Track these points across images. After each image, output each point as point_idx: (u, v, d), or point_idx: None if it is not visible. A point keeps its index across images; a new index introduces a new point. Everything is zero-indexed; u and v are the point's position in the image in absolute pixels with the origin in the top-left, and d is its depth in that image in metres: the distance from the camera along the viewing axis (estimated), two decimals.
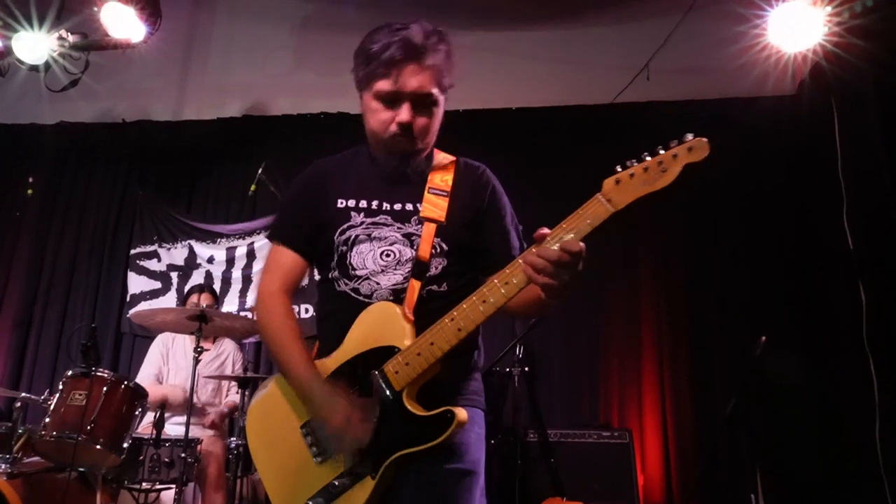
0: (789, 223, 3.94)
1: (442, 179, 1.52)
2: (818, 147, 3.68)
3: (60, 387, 2.78)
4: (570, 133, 4.16)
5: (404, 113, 1.41)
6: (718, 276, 3.99)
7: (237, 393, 3.48)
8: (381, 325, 1.39)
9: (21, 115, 4.75)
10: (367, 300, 1.44)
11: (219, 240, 4.47)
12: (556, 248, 1.18)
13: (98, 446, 2.67)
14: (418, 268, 1.44)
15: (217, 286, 4.34)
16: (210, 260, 4.45)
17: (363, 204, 1.50)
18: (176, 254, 4.52)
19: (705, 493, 3.53)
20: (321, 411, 1.34)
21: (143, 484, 2.93)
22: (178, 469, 2.91)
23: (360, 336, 1.40)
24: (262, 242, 4.39)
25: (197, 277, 4.43)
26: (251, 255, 4.41)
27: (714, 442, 3.47)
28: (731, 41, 3.73)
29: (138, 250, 4.56)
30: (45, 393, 2.90)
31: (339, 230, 1.49)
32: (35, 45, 3.67)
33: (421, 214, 1.47)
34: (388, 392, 1.33)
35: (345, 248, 1.48)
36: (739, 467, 3.41)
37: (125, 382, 2.85)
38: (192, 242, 4.51)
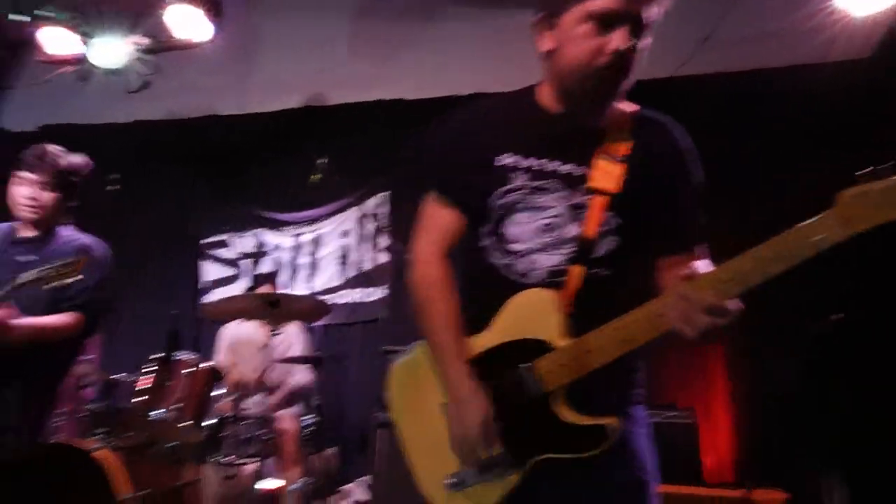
0: None
1: (619, 140, 1.29)
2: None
3: (148, 369, 2.98)
4: None
5: (621, 38, 1.18)
6: None
7: (303, 374, 3.66)
8: (534, 314, 1.25)
9: (97, 115, 5.01)
10: (520, 280, 1.28)
11: (285, 228, 4.64)
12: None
13: (184, 424, 2.86)
14: (582, 249, 1.25)
15: (285, 272, 4.52)
16: (277, 247, 4.63)
17: (527, 163, 1.30)
18: (245, 242, 4.72)
19: (776, 473, 3.45)
20: (459, 414, 1.26)
21: (225, 458, 3.12)
22: (256, 445, 3.09)
23: (510, 323, 1.27)
24: (327, 229, 4.53)
25: (266, 264, 4.61)
26: (316, 241, 4.56)
27: (786, 420, 3.39)
28: (797, 5, 3.58)
29: (210, 240, 4.78)
30: (134, 375, 3.12)
31: (496, 193, 1.30)
32: (110, 50, 3.89)
33: (590, 184, 1.26)
34: (537, 391, 1.22)
35: (501, 213, 1.30)
36: (813, 447, 3.32)
37: (204, 365, 3.04)
38: (260, 231, 4.70)
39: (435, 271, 1.36)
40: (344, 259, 4.45)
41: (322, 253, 4.54)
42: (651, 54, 1.26)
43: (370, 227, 4.47)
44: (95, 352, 4.63)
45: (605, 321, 1.18)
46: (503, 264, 1.30)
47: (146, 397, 2.88)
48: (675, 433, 3.39)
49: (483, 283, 1.33)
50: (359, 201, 4.52)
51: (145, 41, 3.95)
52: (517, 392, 1.24)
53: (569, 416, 1.21)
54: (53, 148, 2.33)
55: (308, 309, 3.57)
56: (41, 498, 2.44)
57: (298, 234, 4.62)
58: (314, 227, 4.60)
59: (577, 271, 1.25)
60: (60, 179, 2.30)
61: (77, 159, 2.38)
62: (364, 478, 3.54)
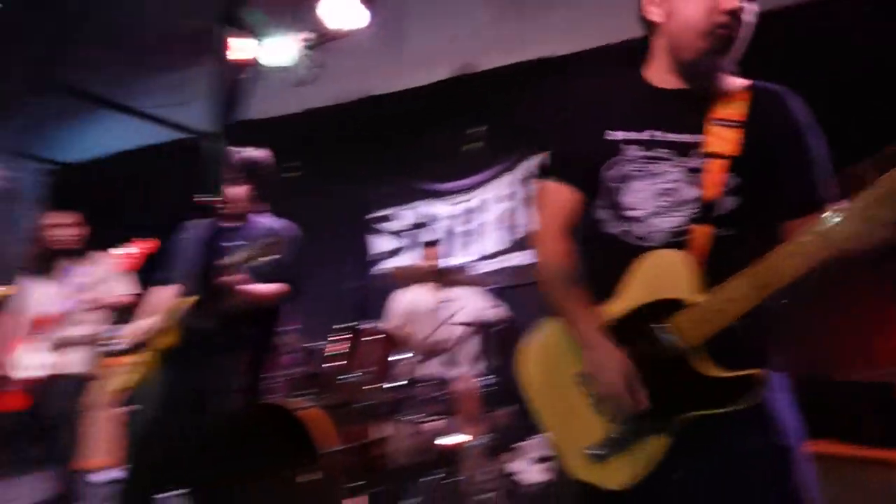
0: None
1: (733, 107, 1.31)
2: None
3: (337, 337, 3.30)
4: None
5: None
6: None
7: (476, 336, 3.81)
8: (665, 274, 1.26)
9: (268, 110, 5.48)
10: (640, 244, 1.30)
11: (446, 197, 4.81)
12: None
13: (371, 385, 3.14)
14: (705, 209, 1.26)
15: (451, 240, 4.70)
16: (440, 217, 4.81)
17: (636, 136, 1.34)
18: (409, 214, 4.96)
19: None
20: (601, 371, 1.27)
21: (410, 417, 3.36)
22: (436, 405, 3.30)
23: (641, 285, 1.29)
24: (488, 195, 4.62)
25: (431, 234, 4.82)
26: (478, 208, 4.67)
27: None
28: None
29: (376, 214, 5.09)
30: (327, 342, 3.46)
31: (608, 165, 1.35)
32: (280, 49, 4.24)
33: (707, 149, 1.28)
34: (677, 349, 1.23)
35: (616, 184, 1.34)
36: None
37: (385, 332, 3.30)
38: (422, 202, 4.90)
39: (557, 246, 1.40)
40: (507, 222, 4.52)
41: (484, 218, 4.64)
42: None
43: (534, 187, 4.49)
44: (296, 322, 5.18)
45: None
46: (621, 231, 1.33)
47: (337, 363, 3.20)
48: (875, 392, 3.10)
49: (603, 254, 1.36)
50: (518, 163, 4.54)
51: (309, 36, 4.23)
52: (657, 352, 1.25)
53: (712, 370, 1.20)
54: (235, 148, 2.62)
55: (480, 276, 3.70)
56: (260, 450, 2.82)
57: (460, 203, 4.76)
58: (475, 193, 4.71)
59: (702, 231, 1.26)
60: (244, 173, 2.57)
61: (256, 153, 2.65)
62: (542, 435, 3.64)
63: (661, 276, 1.27)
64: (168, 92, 5.47)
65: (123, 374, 2.54)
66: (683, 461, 1.23)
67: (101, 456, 4.05)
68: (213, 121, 5.39)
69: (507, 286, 4.40)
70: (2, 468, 5.04)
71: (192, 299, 2.43)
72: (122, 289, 3.81)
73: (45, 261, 3.82)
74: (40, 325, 3.76)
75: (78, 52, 5.85)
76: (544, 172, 1.46)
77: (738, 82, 1.35)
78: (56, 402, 3.65)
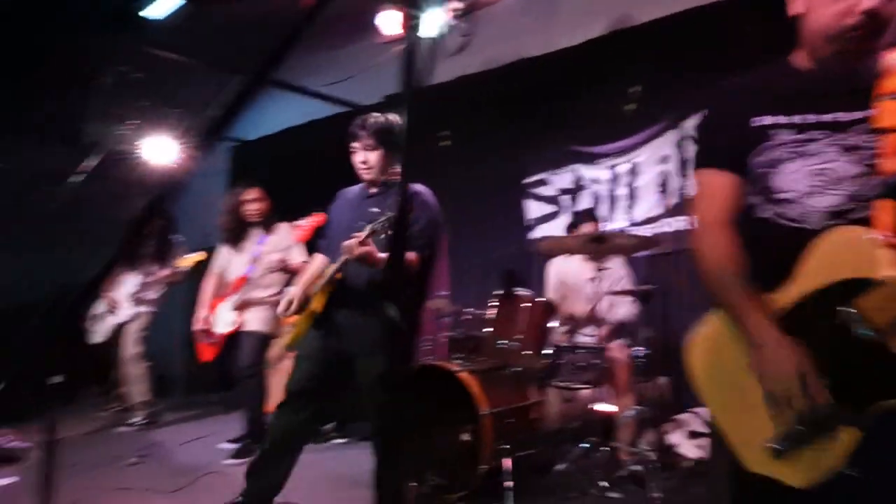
0: None
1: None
2: None
3: (492, 303, 3.38)
4: None
5: None
6: None
7: (629, 306, 3.73)
8: (845, 253, 1.21)
9: (420, 80, 5.61)
10: (794, 225, 1.30)
11: (601, 160, 4.67)
12: None
13: (527, 352, 3.19)
14: (887, 184, 1.22)
15: (604, 205, 4.58)
16: (595, 181, 4.69)
17: (786, 119, 1.34)
18: (563, 178, 4.89)
19: None
20: (773, 369, 1.23)
21: (564, 383, 3.39)
22: (590, 373, 3.29)
23: (818, 267, 1.24)
24: (643, 157, 4.43)
25: (585, 198, 4.73)
26: (633, 171, 4.49)
27: None
28: None
29: (531, 179, 5.07)
30: (484, 308, 3.56)
31: (757, 151, 1.36)
32: (431, 20, 4.31)
33: (879, 124, 1.24)
34: (867, 332, 1.15)
35: (766, 169, 1.35)
36: None
37: (541, 299, 3.32)
38: (577, 166, 4.80)
39: (721, 238, 1.37)
40: (664, 186, 4.31)
41: (640, 182, 4.46)
42: None
43: (691, 149, 4.22)
44: (447, 288, 5.38)
45: None
46: (774, 213, 1.33)
47: (493, 328, 3.29)
48: None
49: (758, 240, 1.35)
50: (676, 123, 4.29)
51: (458, 5, 4.26)
52: (842, 337, 1.17)
53: None
54: (369, 115, 2.69)
55: (633, 244, 3.59)
56: (423, 408, 3.00)
57: (614, 166, 4.60)
58: (630, 156, 4.53)
59: (886, 205, 1.20)
60: (380, 138, 2.63)
61: (389, 117, 2.70)
62: (700, 408, 3.51)
63: (841, 255, 1.21)
64: (331, 69, 5.83)
65: (287, 333, 2.80)
66: (876, 456, 1.16)
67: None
68: (374, 94, 5.68)
69: (662, 252, 4.23)
70: (199, 409, 5.83)
71: (337, 265, 2.55)
72: (298, 257, 4.21)
73: (236, 231, 4.33)
74: (233, 287, 4.27)
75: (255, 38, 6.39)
76: (701, 161, 1.46)
77: None
78: (243, 355, 4.15)
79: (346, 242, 2.41)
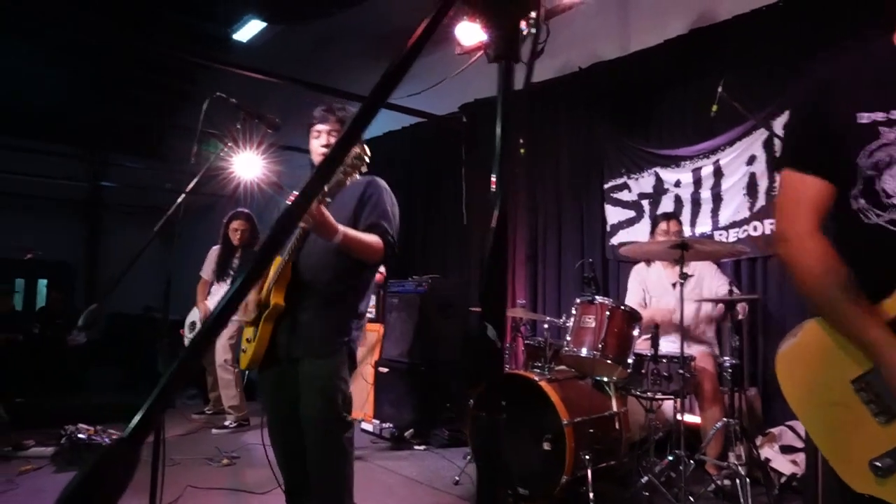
0: None
1: None
2: None
3: (573, 311, 3.33)
4: None
5: None
6: None
7: (716, 313, 3.60)
8: None
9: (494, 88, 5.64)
10: None
11: (683, 163, 4.52)
12: None
13: (608, 361, 3.13)
14: None
15: (687, 208, 4.43)
16: (677, 184, 4.54)
17: (887, 116, 1.22)
18: (644, 182, 4.76)
19: None
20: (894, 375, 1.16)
21: (647, 392, 3.30)
22: (674, 382, 3.18)
23: None
24: (728, 159, 4.25)
25: (666, 202, 4.59)
26: (718, 173, 4.32)
27: None
28: None
29: (610, 184, 4.97)
30: (563, 317, 3.52)
31: (864, 151, 1.24)
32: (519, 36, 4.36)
33: None
34: None
35: (873, 172, 1.24)
36: None
37: (622, 307, 3.24)
38: (658, 169, 4.67)
39: (814, 245, 1.28)
40: (752, 188, 4.12)
41: (726, 184, 4.28)
42: None
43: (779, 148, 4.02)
44: (524, 296, 5.36)
45: None
46: (887, 220, 1.22)
47: (573, 337, 3.24)
48: None
49: (867, 247, 1.26)
50: (764, 122, 4.09)
51: (536, 12, 4.25)
52: None
53: None
54: (333, 103, 2.55)
55: (716, 250, 3.47)
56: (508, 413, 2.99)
57: (698, 168, 4.44)
58: (714, 157, 4.36)
59: None
60: (344, 126, 2.45)
61: (350, 108, 2.52)
62: (792, 422, 3.33)
63: None
64: (412, 81, 5.95)
65: (244, 351, 2.44)
66: None
67: None
68: (453, 103, 5.73)
69: (748, 257, 4.05)
70: None
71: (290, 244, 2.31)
72: None
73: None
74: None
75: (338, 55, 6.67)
76: (786, 161, 1.34)
77: None
78: None
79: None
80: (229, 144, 2.81)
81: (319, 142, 2.48)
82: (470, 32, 4.79)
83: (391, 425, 4.79)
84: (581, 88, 5.16)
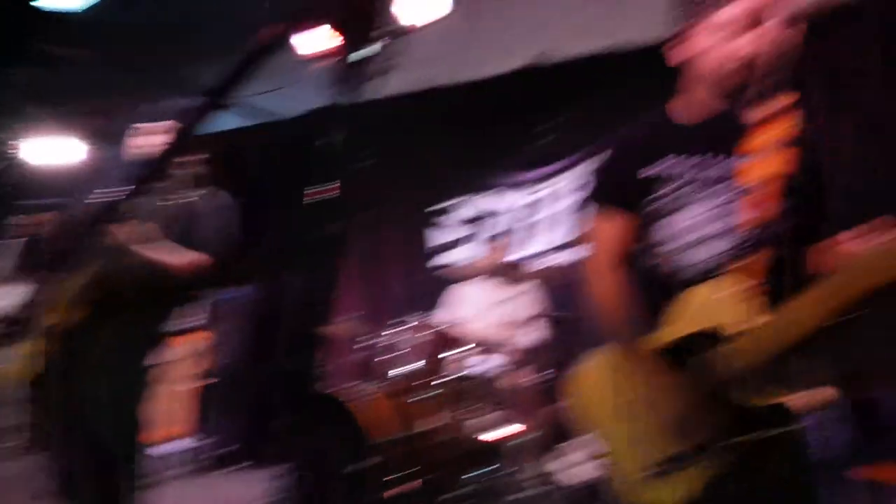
0: None
1: (776, 128, 1.28)
2: None
3: (396, 328, 3.36)
4: None
5: None
6: None
7: (537, 331, 3.82)
8: (715, 302, 1.29)
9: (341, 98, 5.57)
10: (671, 275, 1.38)
11: (517, 188, 4.78)
12: None
13: (426, 377, 3.19)
14: (759, 233, 1.28)
15: (517, 231, 4.68)
16: (505, 209, 4.79)
17: (665, 172, 1.41)
18: (473, 206, 4.97)
19: None
20: (654, 399, 1.31)
21: (459, 410, 3.39)
22: (491, 398, 3.33)
23: (685, 317, 1.32)
24: (555, 187, 4.57)
25: (496, 224, 4.83)
26: (546, 200, 4.61)
27: None
28: None
29: (441, 205, 5.12)
30: (385, 333, 3.51)
31: (644, 202, 1.43)
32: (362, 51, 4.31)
33: (746, 181, 1.30)
34: (723, 375, 1.24)
35: (650, 220, 1.42)
36: None
37: (441, 325, 3.33)
38: (488, 193, 4.90)
39: (609, 280, 1.45)
40: (576, 214, 4.44)
41: (553, 210, 4.59)
42: None
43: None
44: (359, 310, 5.33)
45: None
46: (657, 263, 1.42)
47: (394, 354, 3.29)
48: None
49: (646, 286, 1.43)
50: (590, 156, 4.45)
51: (385, 36, 4.27)
52: (704, 379, 1.26)
53: (755, 398, 1.22)
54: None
55: (536, 272, 3.69)
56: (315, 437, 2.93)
57: (532, 192, 4.71)
58: (545, 184, 4.66)
59: (758, 255, 1.27)
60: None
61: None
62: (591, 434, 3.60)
63: (711, 304, 1.29)
64: (259, 81, 5.70)
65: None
66: (729, 488, 1.25)
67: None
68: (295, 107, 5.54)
69: (572, 280, 4.34)
70: None
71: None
72: None
73: None
74: None
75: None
76: (594, 199, 1.53)
77: (782, 101, 1.29)
78: None
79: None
80: None
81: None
82: (312, 40, 4.62)
83: (214, 439, 4.55)
84: (426, 108, 5.25)
